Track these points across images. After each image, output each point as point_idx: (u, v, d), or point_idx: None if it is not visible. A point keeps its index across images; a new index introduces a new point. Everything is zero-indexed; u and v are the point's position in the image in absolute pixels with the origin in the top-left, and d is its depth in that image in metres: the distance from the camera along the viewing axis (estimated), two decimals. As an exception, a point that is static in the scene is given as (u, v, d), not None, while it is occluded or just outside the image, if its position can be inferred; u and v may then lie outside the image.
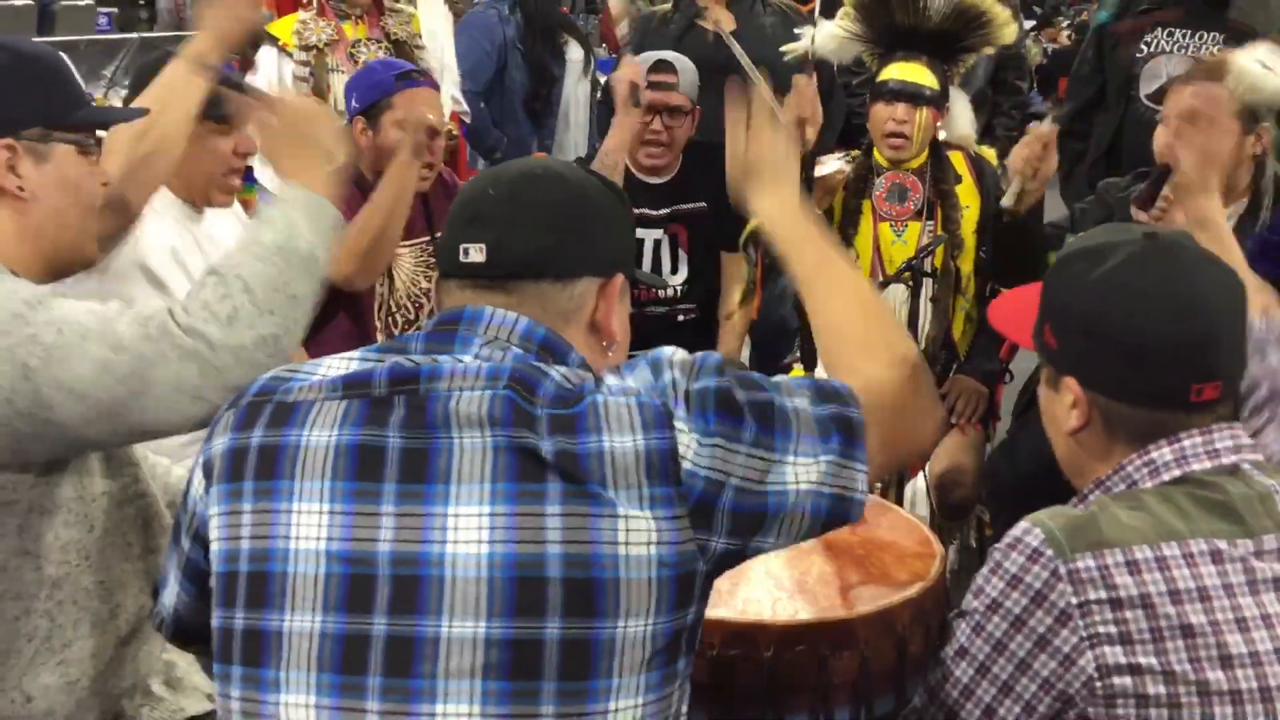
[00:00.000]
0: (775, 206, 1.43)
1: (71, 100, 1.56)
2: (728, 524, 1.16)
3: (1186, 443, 1.27)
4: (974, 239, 2.90)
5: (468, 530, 1.13)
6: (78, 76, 1.61)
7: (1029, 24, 11.74)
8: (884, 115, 2.83)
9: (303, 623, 1.15)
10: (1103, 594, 1.18)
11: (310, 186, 1.52)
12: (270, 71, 3.37)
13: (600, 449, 1.13)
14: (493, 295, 1.24)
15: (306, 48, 3.32)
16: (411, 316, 2.82)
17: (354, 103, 2.72)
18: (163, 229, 2.19)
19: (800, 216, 1.41)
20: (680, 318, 3.17)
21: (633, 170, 3.14)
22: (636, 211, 3.10)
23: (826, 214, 2.91)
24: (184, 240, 2.24)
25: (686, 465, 1.14)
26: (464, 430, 1.15)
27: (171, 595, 1.35)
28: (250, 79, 3.45)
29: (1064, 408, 1.33)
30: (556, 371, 1.19)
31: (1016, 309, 1.48)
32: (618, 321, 1.29)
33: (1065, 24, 12.97)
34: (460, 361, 1.20)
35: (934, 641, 1.89)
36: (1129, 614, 1.18)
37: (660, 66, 3.06)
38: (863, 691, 1.74)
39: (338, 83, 3.34)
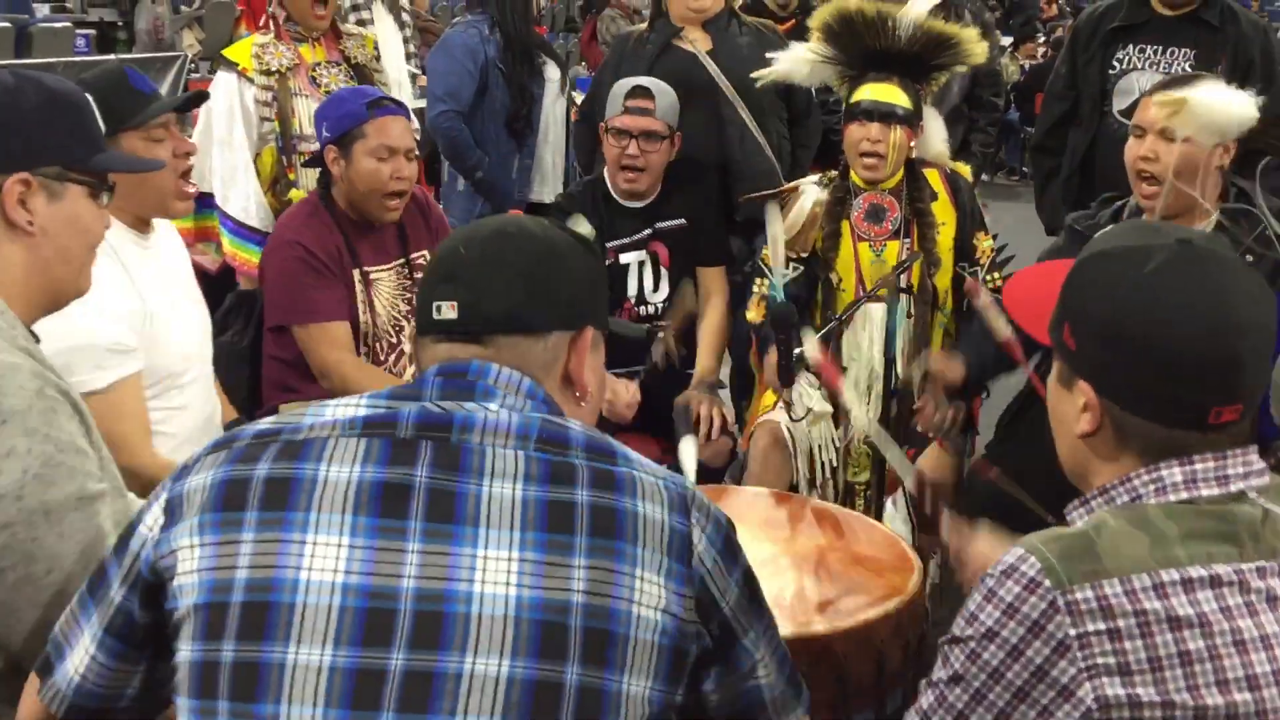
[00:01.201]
0: None
1: (91, 143, 1.58)
2: (718, 631, 1.21)
3: (1199, 466, 1.23)
4: (951, 256, 2.93)
5: (496, 572, 1.13)
6: (100, 120, 1.62)
7: (1006, 40, 11.84)
8: (858, 135, 2.85)
9: (310, 656, 1.12)
10: (1101, 625, 1.16)
11: None
12: (229, 96, 3.32)
13: (635, 510, 1.17)
14: (472, 348, 1.26)
15: (268, 72, 3.30)
16: (394, 340, 2.82)
17: (325, 132, 2.71)
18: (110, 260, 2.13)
19: None
20: (661, 334, 3.18)
21: (614, 195, 3.15)
22: (618, 240, 3.13)
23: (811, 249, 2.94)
24: (136, 265, 2.20)
25: (696, 556, 1.19)
26: (494, 480, 1.17)
27: (79, 661, 1.26)
28: (208, 105, 3.44)
29: (1075, 410, 1.28)
30: (577, 425, 1.23)
31: (1035, 295, 1.44)
32: (590, 373, 1.32)
33: (1042, 40, 13.09)
34: (488, 410, 1.21)
35: (912, 656, 1.90)
36: (1128, 644, 1.15)
37: (637, 92, 3.06)
38: (841, 706, 1.74)
39: (302, 107, 3.31)
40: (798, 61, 3.00)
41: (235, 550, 1.16)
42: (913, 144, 2.88)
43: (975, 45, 2.91)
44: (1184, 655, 1.15)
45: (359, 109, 2.67)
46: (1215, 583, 1.17)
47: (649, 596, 1.15)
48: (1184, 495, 1.22)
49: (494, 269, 1.28)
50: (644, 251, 3.16)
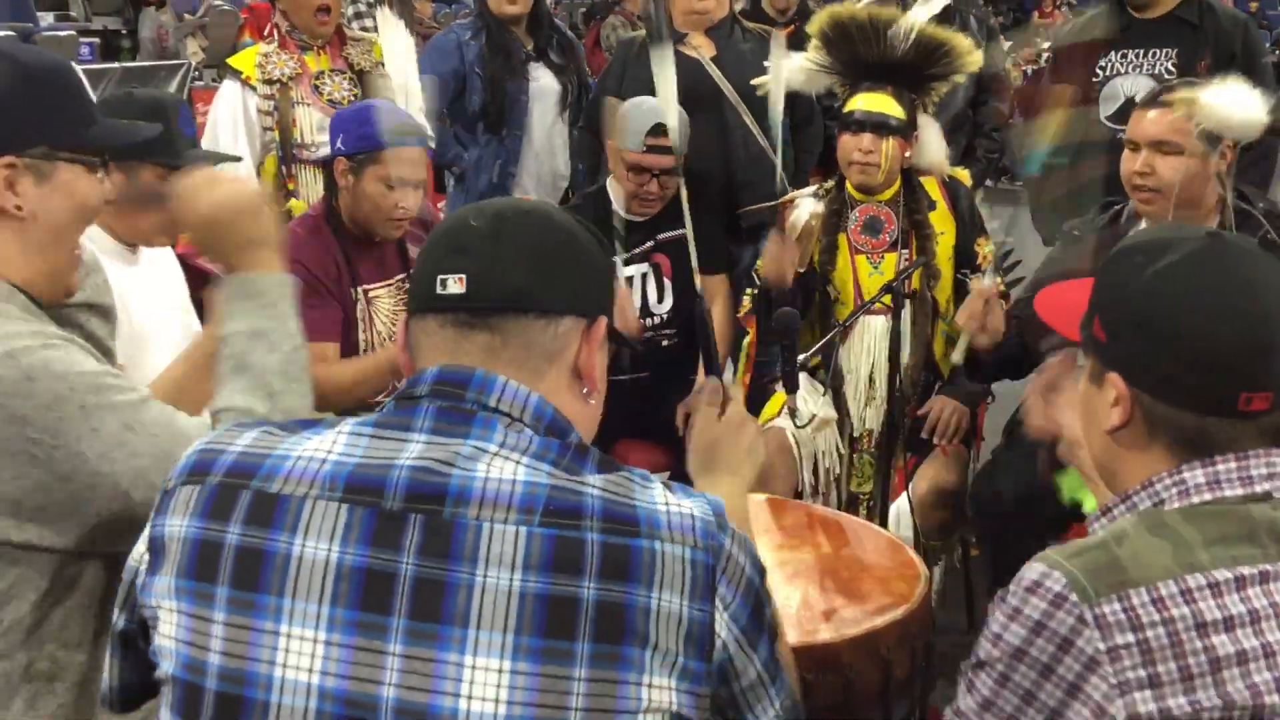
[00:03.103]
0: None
1: (80, 118, 1.48)
2: (730, 713, 1.16)
3: (1221, 467, 1.22)
4: (950, 265, 2.92)
5: (485, 686, 1.03)
6: (89, 90, 1.54)
7: (1007, 45, 11.81)
8: (850, 145, 2.85)
9: None
10: (1130, 637, 1.14)
11: (256, 268, 1.53)
12: (233, 105, 3.34)
13: (648, 605, 1.05)
14: (477, 335, 1.15)
15: (270, 81, 3.31)
16: None
17: (339, 143, 2.69)
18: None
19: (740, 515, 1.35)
20: (665, 343, 3.18)
21: (619, 210, 3.12)
22: (621, 254, 3.09)
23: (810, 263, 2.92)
24: (123, 281, 2.20)
25: (718, 646, 1.10)
26: (490, 568, 1.05)
27: (109, 674, 1.25)
28: (213, 112, 3.44)
29: (1105, 405, 1.26)
30: (594, 482, 1.10)
31: (1066, 301, 1.44)
32: (599, 369, 1.22)
33: (1045, 45, 13.08)
34: (491, 469, 1.09)
35: (919, 664, 1.89)
36: (1158, 656, 1.14)
37: (658, 130, 2.96)
38: (847, 715, 1.73)
39: (303, 115, 3.33)
40: (793, 70, 3.00)
41: (208, 630, 1.09)
42: (907, 154, 2.87)
43: (970, 54, 2.90)
44: (1214, 662, 1.14)
45: (381, 135, 2.63)
46: (1240, 585, 1.17)
47: (658, 702, 1.06)
48: (1207, 496, 1.22)
49: (508, 243, 1.17)
50: (646, 264, 3.15)
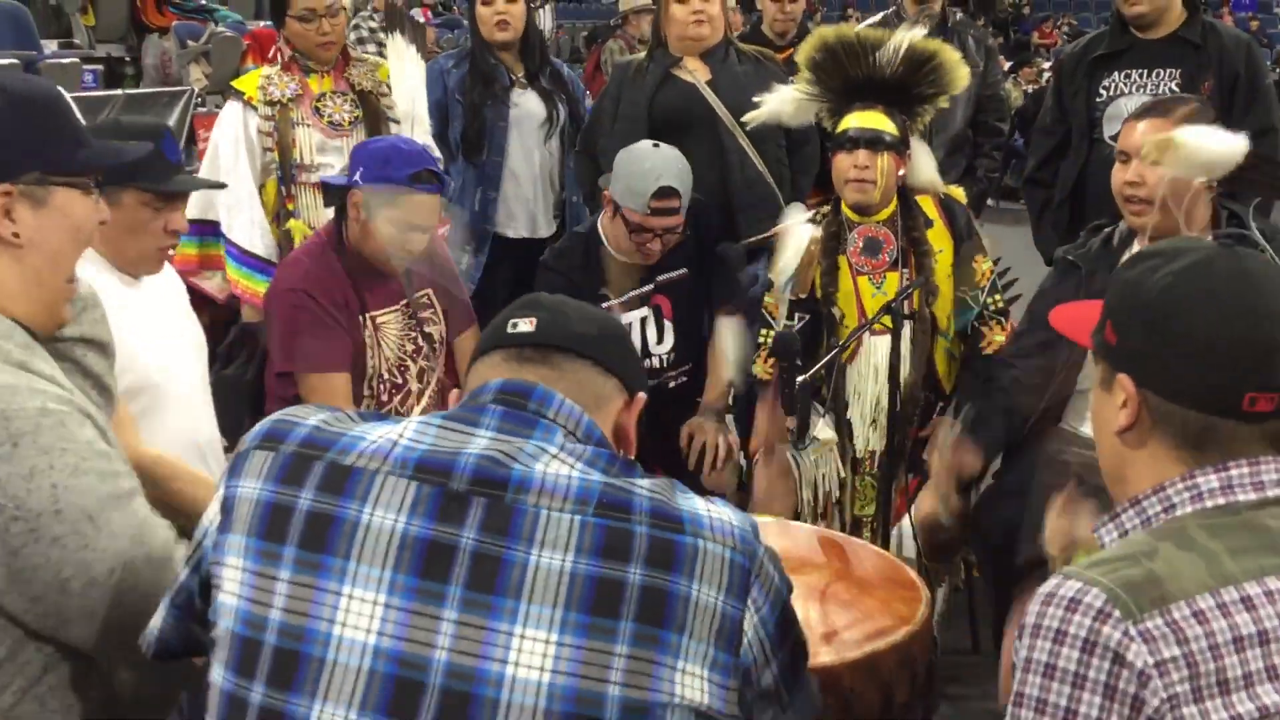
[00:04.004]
0: None
1: (71, 141, 1.48)
2: (750, 713, 1.19)
3: (1234, 472, 1.24)
4: (950, 283, 2.92)
5: (531, 655, 1.10)
6: (78, 114, 1.54)
7: (1007, 65, 11.87)
8: (846, 163, 2.85)
9: (335, 715, 1.11)
10: (1176, 651, 1.14)
11: None
12: (235, 126, 3.36)
13: (689, 594, 1.13)
14: (537, 367, 1.25)
15: (271, 102, 3.33)
16: (399, 381, 2.80)
17: (358, 175, 2.68)
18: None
19: None
20: (671, 384, 3.14)
21: (615, 255, 3.05)
22: (624, 296, 3.03)
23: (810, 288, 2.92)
24: (126, 304, 2.16)
25: (745, 643, 1.16)
26: (544, 549, 1.13)
27: (158, 620, 1.31)
28: (214, 133, 3.45)
29: (1114, 408, 1.29)
30: (643, 484, 1.19)
31: (1079, 313, 1.48)
32: (633, 437, 1.33)
33: (1046, 65, 13.12)
34: (549, 466, 1.18)
35: (920, 686, 1.88)
36: (1201, 669, 1.14)
37: (665, 193, 2.87)
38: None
39: (303, 136, 3.34)
40: (782, 101, 3.00)
41: (272, 587, 1.15)
42: (901, 171, 2.88)
43: (959, 67, 2.91)
44: (1247, 676, 1.15)
45: (401, 178, 2.63)
46: (1271, 598, 1.18)
47: (690, 690, 1.11)
48: (1220, 501, 1.23)
49: (573, 309, 1.32)
50: (646, 308, 3.08)
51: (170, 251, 2.27)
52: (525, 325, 1.27)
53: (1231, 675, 1.14)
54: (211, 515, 1.23)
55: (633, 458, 1.30)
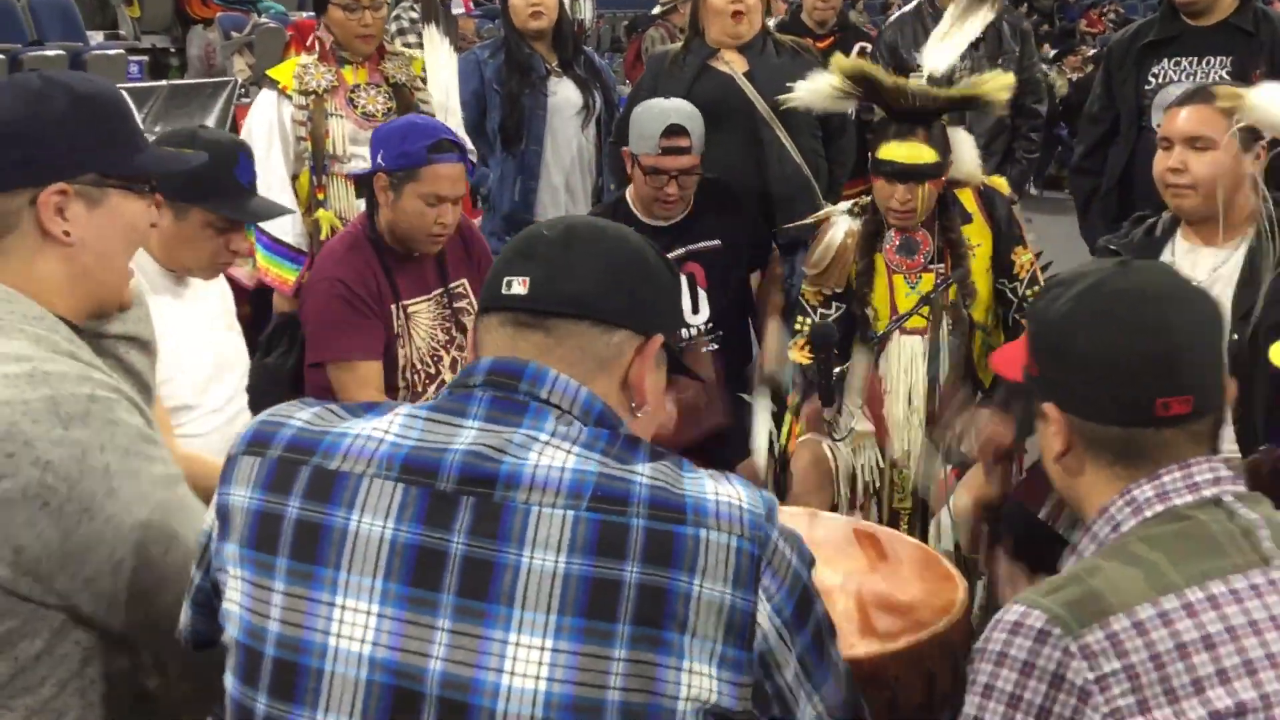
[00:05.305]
0: None
1: (130, 145, 1.48)
2: (775, 708, 1.15)
3: (1166, 479, 1.27)
4: (988, 277, 2.89)
5: (526, 663, 1.07)
6: (137, 117, 1.55)
7: (1052, 53, 11.75)
8: (886, 192, 2.80)
9: None
10: (1117, 664, 1.16)
11: None
12: (268, 115, 3.40)
13: (689, 591, 1.07)
14: (532, 334, 1.19)
15: (305, 92, 3.36)
16: (432, 371, 2.82)
17: (380, 159, 2.72)
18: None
19: None
20: (705, 350, 3.16)
21: (641, 218, 3.13)
22: None
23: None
24: (171, 308, 2.20)
25: (759, 636, 1.11)
26: (536, 550, 1.09)
27: (185, 616, 1.31)
28: (248, 120, 3.49)
29: (1049, 436, 1.34)
30: (643, 471, 1.13)
31: (1014, 353, 1.49)
32: (650, 385, 1.25)
33: (1091, 52, 12.96)
34: (541, 457, 1.13)
35: (962, 675, 1.87)
36: (1144, 679, 1.16)
37: (672, 130, 3.01)
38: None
39: (336, 127, 3.37)
40: (813, 94, 2.97)
41: (268, 598, 1.14)
42: (943, 177, 2.84)
43: (1003, 91, 2.85)
44: (1196, 683, 1.16)
45: (419, 152, 2.66)
46: (1214, 603, 1.19)
47: (697, 690, 1.07)
48: (1159, 508, 1.26)
49: (576, 253, 1.22)
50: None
51: (219, 270, 2.29)
52: (518, 286, 1.20)
53: (1178, 683, 1.15)
54: (210, 522, 1.22)
55: (651, 406, 1.25)
